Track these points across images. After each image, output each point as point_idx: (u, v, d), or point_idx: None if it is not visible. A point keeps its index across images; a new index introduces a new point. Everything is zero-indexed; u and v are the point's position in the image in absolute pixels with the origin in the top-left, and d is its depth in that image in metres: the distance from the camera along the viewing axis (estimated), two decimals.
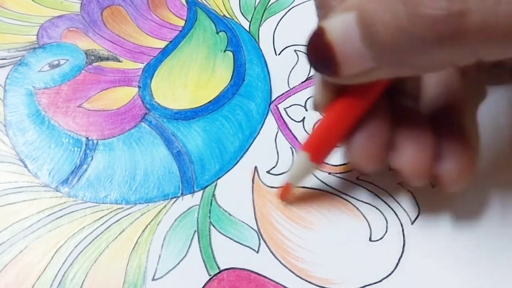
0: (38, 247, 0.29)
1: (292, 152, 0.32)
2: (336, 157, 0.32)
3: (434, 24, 0.19)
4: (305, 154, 0.27)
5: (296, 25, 0.39)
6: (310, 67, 0.26)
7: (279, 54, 0.37)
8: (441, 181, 0.27)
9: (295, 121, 0.34)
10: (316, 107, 0.28)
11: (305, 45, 0.24)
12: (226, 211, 0.30)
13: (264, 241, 0.29)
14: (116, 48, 0.38)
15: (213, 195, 0.31)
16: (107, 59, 0.37)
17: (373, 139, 0.26)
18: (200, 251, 0.28)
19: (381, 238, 0.29)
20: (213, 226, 0.29)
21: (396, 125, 0.26)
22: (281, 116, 0.34)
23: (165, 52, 0.38)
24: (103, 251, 0.29)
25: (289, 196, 0.30)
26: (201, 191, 0.31)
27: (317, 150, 0.27)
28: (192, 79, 0.36)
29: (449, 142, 0.26)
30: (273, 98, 0.35)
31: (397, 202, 0.30)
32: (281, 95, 0.35)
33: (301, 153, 0.27)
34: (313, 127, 0.27)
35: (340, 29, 0.22)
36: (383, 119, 0.26)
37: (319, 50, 0.23)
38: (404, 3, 0.19)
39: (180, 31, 0.39)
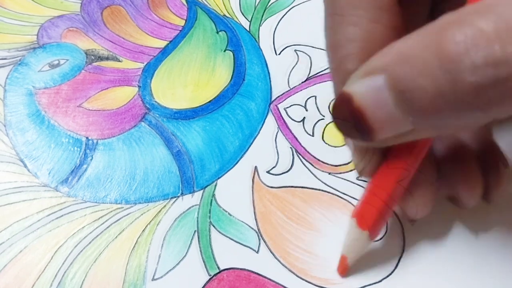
0: (38, 247, 0.29)
1: (292, 152, 0.32)
2: (335, 157, 0.32)
3: (480, 91, 0.18)
4: (364, 232, 0.26)
5: (296, 25, 0.39)
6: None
7: (279, 54, 0.37)
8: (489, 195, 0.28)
9: (295, 121, 0.34)
10: (361, 174, 0.27)
11: (331, 113, 0.23)
12: (226, 211, 0.30)
13: (264, 241, 0.29)
14: (116, 48, 0.38)
15: (213, 195, 0.31)
16: (107, 58, 0.37)
17: (429, 191, 0.26)
18: (200, 251, 0.28)
19: (381, 238, 0.29)
20: (213, 226, 0.29)
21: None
22: (281, 116, 0.34)
23: (165, 52, 0.38)
24: (103, 251, 0.29)
25: (346, 267, 0.28)
26: (201, 191, 0.31)
27: (374, 227, 0.26)
28: (192, 78, 0.36)
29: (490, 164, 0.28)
30: (273, 98, 0.35)
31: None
32: (281, 95, 0.35)
33: (359, 231, 0.26)
34: (364, 196, 0.26)
35: (370, 94, 0.21)
36: (431, 165, 0.27)
37: (348, 117, 0.22)
38: (444, 69, 0.18)
39: (180, 30, 0.39)
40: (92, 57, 0.37)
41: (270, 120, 0.34)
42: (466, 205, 0.28)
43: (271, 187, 0.31)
